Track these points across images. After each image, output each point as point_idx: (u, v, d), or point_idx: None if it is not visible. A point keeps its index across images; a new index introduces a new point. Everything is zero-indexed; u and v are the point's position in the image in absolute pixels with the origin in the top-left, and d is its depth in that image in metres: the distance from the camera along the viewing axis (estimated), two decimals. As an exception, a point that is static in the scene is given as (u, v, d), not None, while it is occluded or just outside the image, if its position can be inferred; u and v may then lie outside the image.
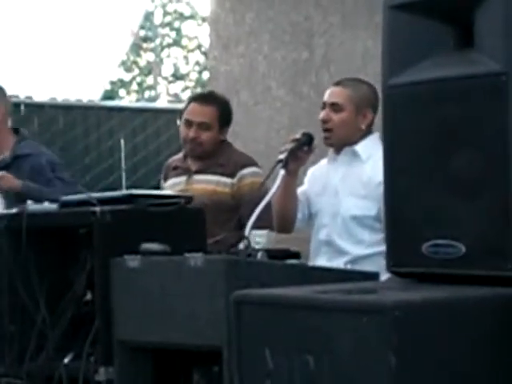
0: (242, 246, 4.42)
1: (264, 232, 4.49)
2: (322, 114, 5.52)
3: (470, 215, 3.43)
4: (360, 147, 5.40)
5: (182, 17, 30.64)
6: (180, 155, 6.31)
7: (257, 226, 4.58)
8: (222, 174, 5.99)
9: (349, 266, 5.18)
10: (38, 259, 5.04)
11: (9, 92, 8.98)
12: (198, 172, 6.05)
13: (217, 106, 6.34)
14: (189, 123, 6.16)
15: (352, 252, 5.39)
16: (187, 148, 6.24)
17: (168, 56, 31.34)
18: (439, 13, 3.56)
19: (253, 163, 6.11)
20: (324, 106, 5.54)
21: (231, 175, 5.97)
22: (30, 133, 8.95)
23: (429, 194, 3.54)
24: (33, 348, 4.96)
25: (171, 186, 6.00)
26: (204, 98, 6.60)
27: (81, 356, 4.74)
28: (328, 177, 5.57)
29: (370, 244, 5.12)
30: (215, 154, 6.12)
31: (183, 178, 6.03)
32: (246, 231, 4.52)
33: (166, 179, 6.24)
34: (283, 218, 5.65)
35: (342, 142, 5.52)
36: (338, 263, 5.34)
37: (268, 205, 4.88)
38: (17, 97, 9.01)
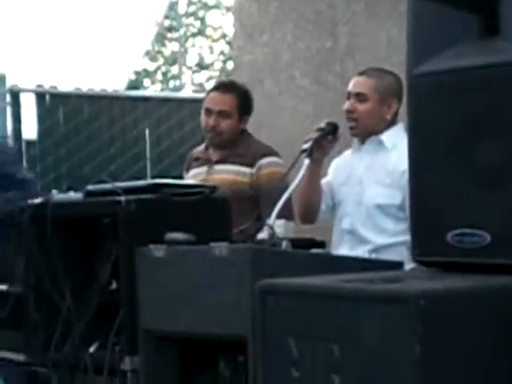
0: (265, 235, 4.42)
1: (282, 222, 4.49)
2: (347, 105, 5.53)
3: (494, 204, 3.42)
4: (385, 137, 5.41)
5: (206, 6, 30.62)
6: (202, 146, 6.33)
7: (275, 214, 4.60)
8: (242, 164, 5.98)
9: (373, 255, 5.17)
10: (63, 248, 5.05)
11: (34, 82, 9.03)
12: (218, 162, 6.05)
13: (236, 95, 6.36)
14: (209, 112, 6.19)
15: (375, 241, 5.39)
16: (207, 137, 6.26)
17: (193, 46, 31.31)
18: (464, 1, 3.56)
19: (272, 153, 6.12)
20: (349, 95, 5.55)
21: (250, 165, 5.97)
22: (56, 123, 8.97)
23: (454, 183, 3.54)
24: (58, 337, 4.97)
25: (193, 177, 6.01)
26: (224, 86, 6.61)
27: (106, 345, 4.74)
28: (352, 166, 5.58)
29: (394, 233, 5.12)
30: (235, 144, 6.14)
31: (204, 169, 6.04)
32: (271, 221, 4.52)
33: (188, 170, 6.25)
34: (307, 208, 5.65)
35: (367, 131, 5.52)
36: (361, 252, 5.33)
37: (280, 196, 4.87)
38: (41, 86, 9.00)
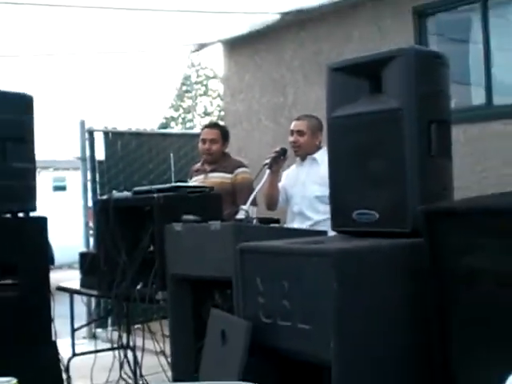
0: (242, 215, 4.44)
1: (252, 207, 4.56)
2: (292, 138, 5.57)
3: (379, 195, 3.44)
4: (317, 156, 5.45)
5: (208, 77, 30.72)
6: (199, 163, 6.33)
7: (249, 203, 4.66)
8: (225, 172, 6.00)
9: (312, 228, 5.23)
10: (120, 226, 5.05)
11: (101, 124, 9.05)
12: (210, 171, 6.06)
13: (219, 130, 6.34)
14: (204, 140, 6.18)
15: (313, 218, 5.43)
16: (203, 156, 6.27)
17: (200, 101, 31.34)
18: (360, 72, 3.57)
19: (244, 165, 6.12)
20: (292, 132, 5.58)
21: (231, 172, 5.99)
22: (115, 150, 8.99)
23: (355, 183, 3.55)
24: (118, 280, 4.97)
25: (195, 182, 6.02)
26: (212, 125, 6.66)
27: (147, 284, 4.76)
28: (298, 174, 5.61)
29: (324, 213, 5.12)
30: (220, 160, 6.13)
31: (201, 176, 6.05)
32: (246, 207, 4.54)
33: (191, 178, 6.27)
34: (270, 201, 5.68)
35: (305, 153, 5.55)
36: (305, 226, 5.39)
37: (252, 191, 4.95)
38: (106, 128, 9.01)
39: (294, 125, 5.65)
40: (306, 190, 5.53)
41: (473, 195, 3.48)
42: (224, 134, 6.31)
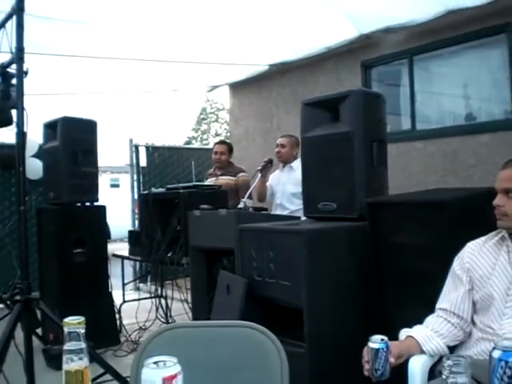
0: (242, 205, 4.44)
1: (249, 200, 4.54)
2: (277, 149, 5.51)
3: (337, 192, 3.44)
4: (294, 164, 5.39)
5: (218, 109, 30.59)
6: (212, 169, 6.29)
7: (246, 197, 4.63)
8: (230, 176, 5.95)
9: (289, 214, 5.19)
10: (157, 212, 5.03)
11: (144, 140, 9.04)
12: (220, 175, 6.01)
13: (226, 145, 6.30)
14: (215, 152, 6.14)
15: (290, 208, 5.37)
16: (215, 164, 6.24)
17: (213, 126, 31.24)
18: (324, 106, 3.57)
19: (243, 171, 6.07)
20: (277, 146, 5.53)
21: (234, 176, 5.94)
22: (153, 159, 8.96)
23: (320, 183, 3.54)
24: (154, 250, 4.96)
25: (209, 182, 5.97)
26: (221, 142, 6.58)
27: (175, 252, 4.75)
28: (280, 177, 5.54)
29: (298, 204, 5.08)
30: (227, 167, 6.09)
31: (213, 178, 5.99)
32: (244, 199, 4.54)
33: (206, 179, 6.21)
34: (260, 195, 5.63)
35: (286, 160, 5.50)
36: (284, 213, 5.34)
37: (249, 188, 4.93)
38: (147, 143, 8.99)
39: (278, 140, 5.61)
40: (286, 188, 5.48)
41: (401, 192, 3.50)
42: (230, 148, 6.29)
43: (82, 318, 1.38)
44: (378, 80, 6.93)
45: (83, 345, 1.35)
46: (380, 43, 6.58)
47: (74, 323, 1.37)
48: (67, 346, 1.34)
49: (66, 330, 1.36)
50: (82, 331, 1.37)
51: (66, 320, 1.38)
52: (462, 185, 5.38)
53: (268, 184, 5.63)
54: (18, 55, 3.19)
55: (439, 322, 2.26)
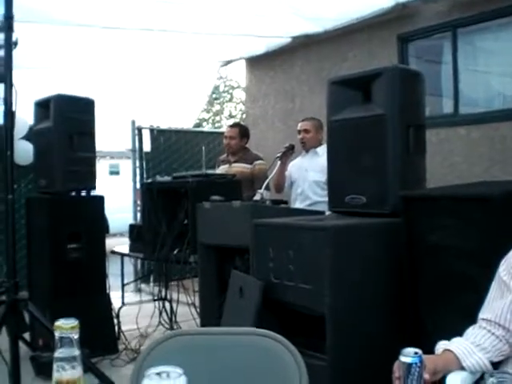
0: (258, 197, 4.44)
1: (266, 191, 4.54)
2: (300, 136, 5.53)
3: (367, 183, 3.44)
4: (319, 149, 5.40)
5: (232, 87, 30.59)
6: (225, 155, 6.29)
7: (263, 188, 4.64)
8: (245, 163, 5.94)
9: (311, 207, 5.17)
10: (162, 203, 5.06)
11: (148, 122, 9.07)
12: (234, 162, 6.01)
13: (238, 128, 6.28)
14: (226, 137, 6.17)
15: (312, 198, 5.38)
16: (226, 149, 6.25)
17: (226, 106, 31.24)
18: (354, 85, 3.56)
19: (260, 158, 6.05)
20: (299, 132, 5.54)
21: (250, 163, 5.94)
22: (158, 144, 8.98)
23: (348, 173, 3.54)
24: (159, 246, 4.99)
25: (221, 170, 5.99)
26: (232, 124, 6.63)
27: (182, 250, 4.78)
28: (301, 163, 5.55)
29: (321, 195, 5.10)
30: (240, 153, 6.10)
31: (226, 166, 5.99)
32: (261, 191, 4.53)
33: (218, 166, 6.22)
34: (279, 185, 5.65)
35: (310, 147, 5.50)
36: (304, 205, 5.35)
37: (266, 178, 4.91)
38: (152, 126, 9.00)
39: (300, 125, 5.61)
40: (308, 175, 5.48)
41: (441, 185, 3.48)
42: (242, 132, 6.26)
43: (75, 322, 1.39)
44: (415, 56, 6.89)
45: (77, 352, 1.35)
46: (418, 14, 6.54)
47: (66, 327, 1.37)
48: (58, 353, 1.34)
49: (57, 334, 1.37)
50: (76, 336, 1.37)
51: (58, 323, 1.38)
52: (512, 177, 5.34)
53: (287, 173, 5.63)
54: (7, 23, 3.20)
55: (482, 334, 2.25)
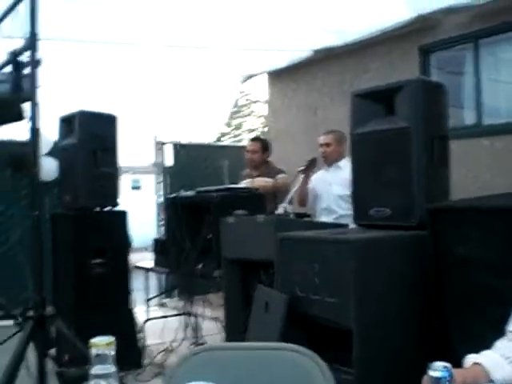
0: (281, 211, 4.43)
1: (289, 205, 4.53)
2: (321, 150, 5.53)
3: (391, 196, 3.42)
4: (341, 163, 5.38)
5: (251, 101, 30.73)
6: (247, 170, 6.30)
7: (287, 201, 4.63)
8: (268, 177, 5.95)
9: (336, 221, 5.16)
10: (187, 217, 5.08)
11: (170, 137, 9.11)
12: (257, 176, 6.02)
13: (259, 142, 6.33)
14: (247, 151, 6.20)
15: (338, 212, 5.36)
16: (248, 163, 6.28)
17: (246, 121, 31.39)
18: (377, 97, 3.55)
19: (283, 172, 6.06)
20: (321, 145, 5.54)
21: (273, 177, 5.93)
22: (180, 157, 9.02)
23: (372, 185, 3.52)
24: (183, 260, 5.00)
25: (244, 185, 5.98)
26: (254, 139, 6.68)
27: (206, 264, 4.79)
28: (325, 177, 5.53)
29: (346, 209, 5.06)
30: (263, 167, 6.12)
31: (249, 180, 5.99)
32: (284, 204, 4.53)
33: (241, 181, 6.23)
34: (302, 199, 5.64)
35: (332, 161, 5.49)
36: (330, 219, 5.33)
37: (289, 192, 4.91)
38: (174, 141, 9.04)
39: (322, 139, 5.60)
40: (332, 190, 5.46)
41: (464, 197, 3.46)
42: (264, 146, 6.28)
43: (111, 339, 1.40)
44: (437, 67, 6.88)
45: (113, 369, 1.36)
46: (440, 25, 6.53)
47: (102, 344, 1.38)
48: (95, 371, 1.35)
49: (93, 351, 1.37)
50: (112, 353, 1.38)
51: (94, 340, 1.39)
52: (537, 188, 5.29)
53: (310, 186, 5.62)
54: (31, 42, 3.23)
55: (511, 346, 2.22)
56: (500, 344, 2.26)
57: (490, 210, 2.91)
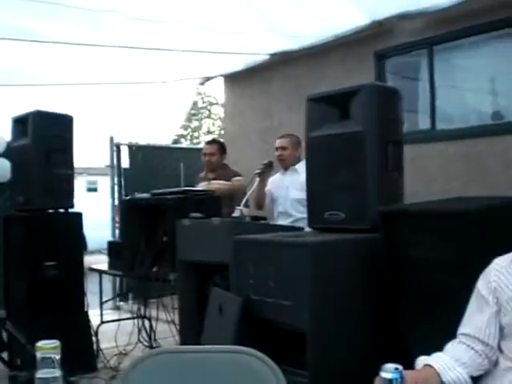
0: (238, 214, 4.41)
1: (245, 208, 4.51)
2: (277, 153, 5.53)
3: (345, 199, 3.44)
4: (298, 166, 5.39)
5: (211, 103, 30.63)
6: (204, 172, 6.29)
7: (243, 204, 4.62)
8: (224, 180, 5.95)
9: (292, 224, 5.17)
10: (142, 220, 5.04)
11: (126, 139, 9.05)
12: (213, 179, 6.02)
13: (216, 144, 6.33)
14: (205, 154, 6.18)
15: (295, 215, 5.35)
16: (205, 166, 6.26)
17: (205, 122, 31.29)
18: (333, 102, 3.57)
19: (239, 174, 6.06)
20: (277, 149, 5.54)
21: (229, 180, 5.94)
22: (137, 159, 8.94)
23: (327, 188, 3.54)
24: (138, 263, 4.96)
25: (200, 187, 5.95)
26: (210, 141, 6.68)
27: (161, 266, 4.76)
28: (282, 181, 5.53)
29: (302, 212, 5.08)
30: (220, 170, 6.11)
31: (206, 183, 5.98)
32: (240, 207, 4.52)
33: (197, 183, 6.19)
34: (259, 202, 5.64)
35: (288, 165, 5.50)
36: (287, 222, 5.34)
37: (245, 195, 4.87)
38: (130, 142, 8.98)
39: (278, 142, 5.61)
40: (289, 194, 5.46)
41: (418, 201, 3.50)
42: (221, 148, 6.29)
43: (57, 343, 1.38)
44: (392, 73, 6.95)
45: (58, 373, 1.34)
46: (395, 31, 6.60)
47: (48, 348, 1.37)
48: (40, 374, 1.34)
49: (38, 355, 1.36)
50: (58, 357, 1.37)
51: (39, 344, 1.38)
52: (488, 193, 5.35)
53: (267, 189, 5.62)
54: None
55: (461, 348, 2.25)
56: (451, 346, 2.29)
57: (440, 214, 2.95)
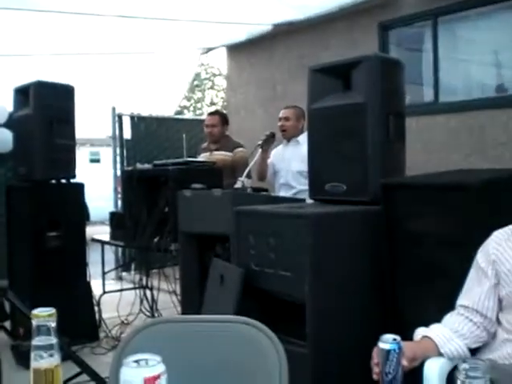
0: (239, 185, 4.41)
1: (247, 179, 4.50)
2: (280, 123, 5.50)
3: (347, 171, 3.44)
4: (300, 138, 5.37)
5: (214, 75, 30.46)
6: (206, 143, 6.26)
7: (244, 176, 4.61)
8: (226, 151, 5.92)
9: (294, 196, 5.16)
10: (143, 192, 5.04)
11: (128, 109, 9.00)
12: (215, 150, 5.99)
13: (218, 115, 6.27)
14: (206, 125, 6.14)
15: (297, 187, 5.35)
16: (208, 137, 6.22)
17: (208, 94, 31.12)
18: (335, 73, 3.55)
19: (241, 146, 6.01)
20: (280, 119, 5.52)
21: (231, 151, 5.91)
22: (139, 131, 8.91)
23: (329, 159, 3.54)
24: (139, 234, 4.98)
25: (202, 158, 5.93)
26: (212, 112, 6.62)
27: (163, 238, 4.76)
28: (284, 153, 5.52)
29: (305, 184, 5.07)
30: (222, 141, 6.07)
31: (207, 154, 5.95)
32: (242, 178, 4.51)
33: (199, 154, 6.15)
34: (261, 173, 5.62)
35: (291, 136, 5.48)
36: (289, 194, 5.34)
37: (247, 166, 4.87)
38: (132, 113, 8.92)
39: (282, 113, 5.59)
40: (291, 166, 5.45)
41: (420, 173, 3.49)
42: (223, 119, 6.24)
43: (52, 310, 1.39)
44: (396, 44, 6.90)
45: (54, 340, 1.35)
46: (400, 2, 6.55)
47: (43, 315, 1.37)
48: (36, 342, 1.34)
49: (34, 323, 1.37)
50: (53, 325, 1.37)
51: (35, 312, 1.38)
52: (490, 165, 5.37)
53: (269, 161, 5.61)
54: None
55: (460, 320, 2.27)
56: (449, 318, 2.30)
57: (441, 186, 2.94)
